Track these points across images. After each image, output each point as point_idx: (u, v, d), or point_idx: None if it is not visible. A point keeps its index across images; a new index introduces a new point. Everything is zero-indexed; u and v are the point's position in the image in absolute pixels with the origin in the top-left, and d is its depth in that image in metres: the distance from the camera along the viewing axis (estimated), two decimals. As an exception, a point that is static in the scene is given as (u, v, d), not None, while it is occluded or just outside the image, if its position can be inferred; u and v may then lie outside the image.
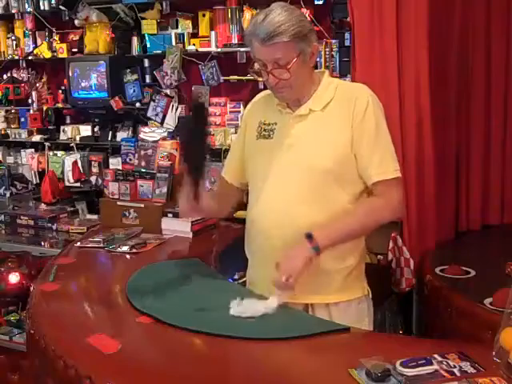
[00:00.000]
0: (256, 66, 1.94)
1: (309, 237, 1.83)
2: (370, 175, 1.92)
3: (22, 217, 3.63)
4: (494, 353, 1.39)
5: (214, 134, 4.27)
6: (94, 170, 4.70)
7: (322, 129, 1.95)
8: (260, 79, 2.13)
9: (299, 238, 1.86)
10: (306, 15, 3.79)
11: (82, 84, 4.69)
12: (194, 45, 4.32)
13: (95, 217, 3.70)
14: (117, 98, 4.49)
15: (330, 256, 1.94)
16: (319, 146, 1.93)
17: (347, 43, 3.51)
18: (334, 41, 3.72)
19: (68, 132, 4.90)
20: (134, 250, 2.47)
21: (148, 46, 4.51)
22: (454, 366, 1.38)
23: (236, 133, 4.18)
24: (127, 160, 3.06)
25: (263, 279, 1.98)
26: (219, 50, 4.22)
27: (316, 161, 1.92)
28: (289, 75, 1.87)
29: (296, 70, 1.88)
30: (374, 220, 1.95)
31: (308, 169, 1.92)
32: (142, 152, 2.99)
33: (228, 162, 2.23)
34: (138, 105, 4.51)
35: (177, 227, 2.75)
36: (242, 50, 4.12)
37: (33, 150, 4.99)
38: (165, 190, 2.86)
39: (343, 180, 1.93)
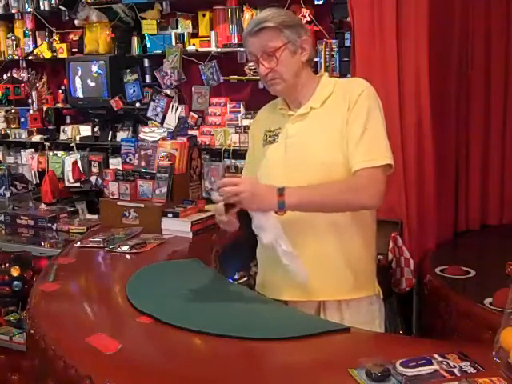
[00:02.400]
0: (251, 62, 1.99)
1: (280, 191, 1.78)
2: (355, 161, 1.89)
3: (21, 217, 3.63)
4: (493, 353, 1.38)
5: (213, 134, 4.28)
6: (94, 169, 4.71)
7: (322, 123, 1.96)
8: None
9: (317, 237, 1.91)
10: (307, 15, 3.82)
11: (82, 84, 4.70)
12: (193, 45, 4.33)
13: (95, 217, 3.70)
14: (117, 98, 4.49)
15: (342, 255, 1.95)
16: (321, 140, 1.94)
17: (347, 43, 3.51)
18: (333, 41, 3.73)
19: (68, 132, 4.90)
20: (134, 250, 2.47)
21: (148, 46, 4.51)
22: (454, 366, 1.38)
23: (236, 133, 4.19)
24: (127, 160, 3.06)
25: (274, 281, 2.00)
26: (219, 50, 4.22)
27: (318, 154, 1.92)
28: (276, 62, 1.91)
29: (285, 60, 1.92)
30: (350, 200, 1.88)
31: (311, 163, 1.92)
32: (142, 152, 2.99)
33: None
34: (137, 105, 4.52)
35: (177, 227, 2.75)
36: (242, 49, 4.11)
37: (33, 150, 5.00)
38: (165, 189, 2.86)
39: (348, 170, 1.91)
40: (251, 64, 2.03)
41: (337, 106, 1.95)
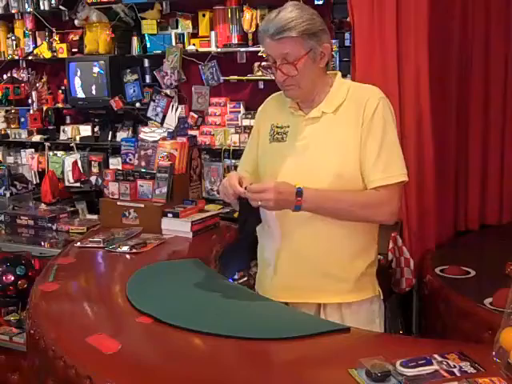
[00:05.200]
0: (266, 62, 1.96)
1: (299, 194, 1.83)
2: (372, 180, 1.90)
3: (21, 217, 3.62)
4: (493, 353, 1.39)
5: (213, 134, 4.28)
6: (94, 170, 4.72)
7: (335, 131, 1.94)
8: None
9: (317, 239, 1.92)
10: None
11: (82, 84, 4.70)
12: (194, 45, 4.33)
13: (95, 217, 3.69)
14: (117, 98, 4.50)
15: (343, 259, 1.95)
16: (332, 149, 1.92)
17: (347, 43, 3.52)
18: (334, 41, 3.73)
19: (68, 132, 4.91)
20: (134, 250, 2.47)
21: (148, 45, 4.52)
22: (454, 366, 1.38)
23: (236, 133, 4.20)
24: (127, 160, 3.05)
25: (273, 283, 2.01)
26: (219, 49, 4.23)
27: (329, 164, 1.91)
28: (296, 72, 1.88)
29: (304, 68, 1.88)
30: (366, 215, 1.93)
31: (322, 171, 1.91)
32: (142, 152, 2.99)
33: (241, 165, 2.22)
34: (138, 105, 4.52)
35: (177, 227, 2.75)
36: (242, 50, 4.13)
37: (33, 150, 5.01)
38: (165, 189, 2.85)
39: (358, 182, 1.92)
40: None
41: (350, 116, 1.93)
